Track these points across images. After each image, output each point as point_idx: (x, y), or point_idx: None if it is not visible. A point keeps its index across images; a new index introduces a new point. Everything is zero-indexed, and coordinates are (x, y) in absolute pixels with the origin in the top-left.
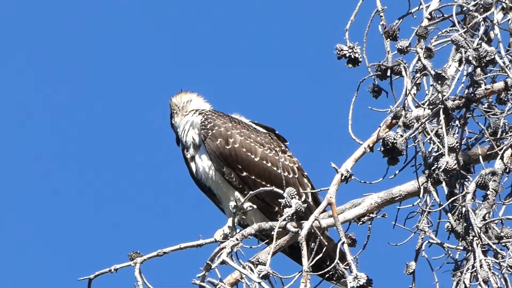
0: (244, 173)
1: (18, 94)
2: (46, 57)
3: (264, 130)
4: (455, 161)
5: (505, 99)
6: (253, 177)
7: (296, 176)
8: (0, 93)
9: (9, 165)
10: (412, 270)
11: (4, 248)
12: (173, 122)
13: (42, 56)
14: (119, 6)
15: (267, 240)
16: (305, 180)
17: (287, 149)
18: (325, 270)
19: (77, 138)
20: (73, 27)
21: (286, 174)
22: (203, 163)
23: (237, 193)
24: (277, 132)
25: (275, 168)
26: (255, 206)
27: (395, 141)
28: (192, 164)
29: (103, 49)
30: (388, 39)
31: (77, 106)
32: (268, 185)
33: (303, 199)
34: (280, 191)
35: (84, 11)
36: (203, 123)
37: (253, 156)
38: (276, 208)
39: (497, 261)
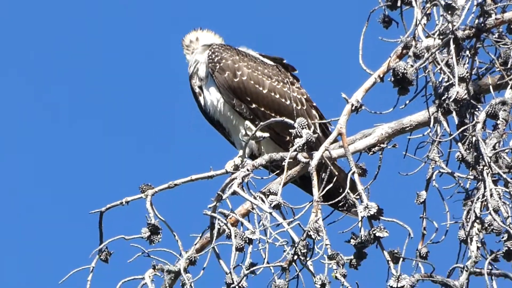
0: (254, 105)
1: (16, 94)
2: (44, 57)
3: (271, 62)
4: (466, 91)
5: None
6: (263, 109)
7: (305, 108)
8: None
9: None
10: (423, 200)
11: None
12: (186, 62)
13: (38, 57)
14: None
15: (277, 171)
16: (314, 111)
17: (295, 80)
18: (336, 200)
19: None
20: (65, 28)
21: (294, 105)
22: (212, 97)
23: (247, 122)
24: (285, 61)
25: (283, 100)
26: (267, 135)
27: (405, 71)
28: (201, 98)
29: (101, 49)
30: None
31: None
32: (278, 117)
33: (312, 130)
34: (291, 121)
35: (78, 11)
36: (210, 57)
37: (261, 89)
38: (288, 138)
39: (508, 190)
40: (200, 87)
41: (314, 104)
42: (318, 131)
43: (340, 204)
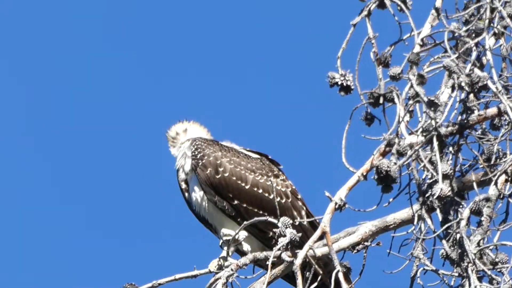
0: (236, 201)
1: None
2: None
3: (256, 156)
4: (449, 188)
5: (499, 124)
6: (245, 205)
7: (290, 200)
8: None
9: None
10: None
11: None
12: (172, 155)
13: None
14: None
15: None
16: (300, 203)
17: (280, 172)
18: None
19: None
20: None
21: (278, 199)
22: (196, 194)
23: (223, 230)
24: (270, 157)
25: (266, 195)
26: (246, 234)
27: (388, 169)
28: (187, 194)
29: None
30: (380, 66)
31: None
32: (261, 212)
33: (297, 223)
34: (274, 220)
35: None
36: (193, 153)
37: (243, 184)
38: (271, 234)
39: (492, 287)
40: (186, 182)
41: (300, 196)
42: (305, 222)
43: None
